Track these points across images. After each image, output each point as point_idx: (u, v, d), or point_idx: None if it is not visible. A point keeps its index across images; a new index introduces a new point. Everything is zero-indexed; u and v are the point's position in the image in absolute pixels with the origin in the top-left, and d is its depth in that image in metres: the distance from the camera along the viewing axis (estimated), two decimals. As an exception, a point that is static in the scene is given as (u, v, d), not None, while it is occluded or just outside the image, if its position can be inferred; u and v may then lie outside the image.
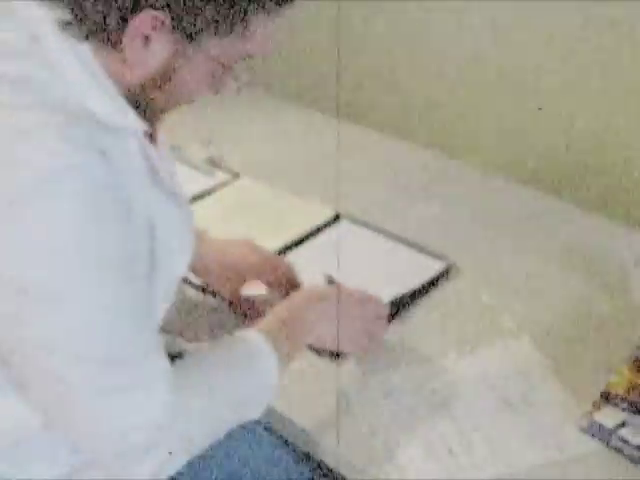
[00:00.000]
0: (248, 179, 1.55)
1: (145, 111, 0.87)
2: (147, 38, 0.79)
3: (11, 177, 0.73)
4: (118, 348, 0.80)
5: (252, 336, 0.96)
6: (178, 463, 0.87)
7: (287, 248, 1.32)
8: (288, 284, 1.18)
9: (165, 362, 0.85)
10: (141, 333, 0.82)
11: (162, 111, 0.90)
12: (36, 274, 0.74)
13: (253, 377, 0.94)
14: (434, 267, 1.29)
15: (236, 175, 1.56)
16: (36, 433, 0.88)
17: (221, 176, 1.55)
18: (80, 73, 0.80)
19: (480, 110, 1.80)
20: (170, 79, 0.83)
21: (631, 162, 1.62)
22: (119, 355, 0.80)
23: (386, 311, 1.12)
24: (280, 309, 1.03)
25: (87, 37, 0.79)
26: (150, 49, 0.80)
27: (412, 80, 1.90)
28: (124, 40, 0.79)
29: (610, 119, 1.62)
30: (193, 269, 1.16)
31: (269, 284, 1.19)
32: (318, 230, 1.38)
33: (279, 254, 1.30)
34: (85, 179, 0.74)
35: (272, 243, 1.31)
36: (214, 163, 1.57)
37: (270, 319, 1.01)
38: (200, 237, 1.13)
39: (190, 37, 0.80)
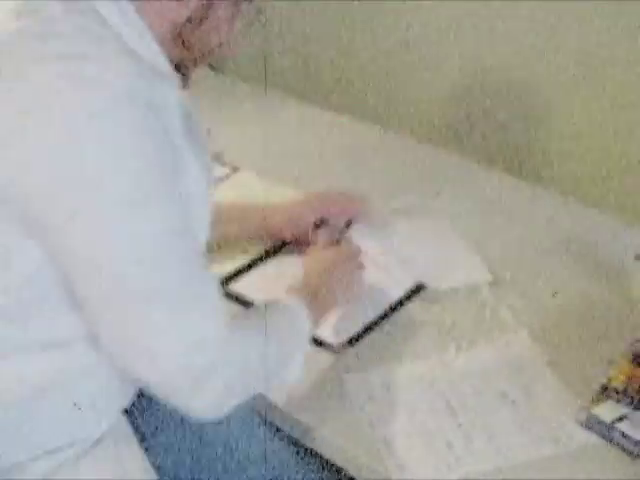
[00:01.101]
0: (247, 172, 1.55)
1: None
2: None
3: (88, 94, 0.76)
4: (182, 264, 0.82)
5: (290, 299, 0.99)
6: (236, 399, 0.87)
7: (287, 242, 1.32)
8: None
9: (221, 299, 0.86)
10: (198, 257, 0.85)
11: (187, 69, 0.94)
12: (112, 180, 0.77)
13: (293, 332, 0.96)
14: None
15: (235, 169, 1.56)
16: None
17: (221, 170, 1.54)
18: (125, 25, 0.84)
19: (475, 103, 1.81)
20: (202, 23, 0.88)
21: (628, 156, 1.62)
22: (183, 272, 0.82)
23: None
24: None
25: None
26: None
27: (414, 76, 1.90)
28: None
29: (603, 113, 1.62)
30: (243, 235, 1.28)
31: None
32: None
33: (280, 248, 1.31)
34: (149, 100, 0.79)
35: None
36: (214, 157, 1.57)
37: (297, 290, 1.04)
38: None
39: None
